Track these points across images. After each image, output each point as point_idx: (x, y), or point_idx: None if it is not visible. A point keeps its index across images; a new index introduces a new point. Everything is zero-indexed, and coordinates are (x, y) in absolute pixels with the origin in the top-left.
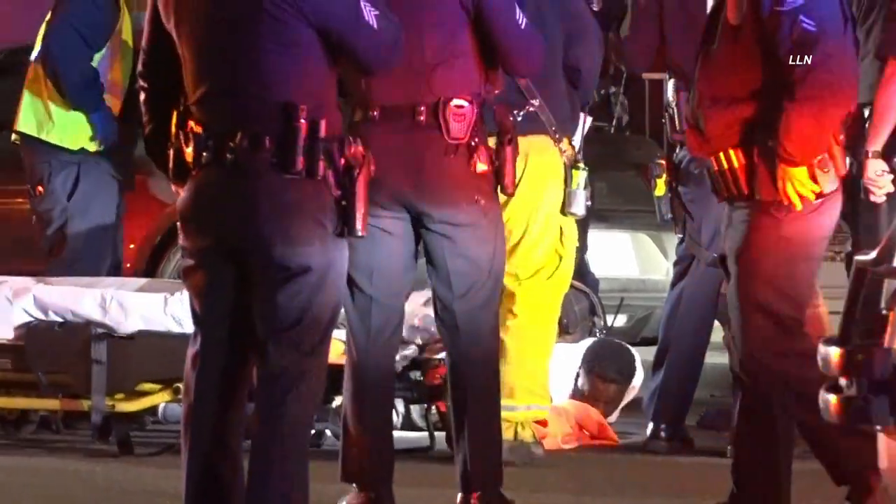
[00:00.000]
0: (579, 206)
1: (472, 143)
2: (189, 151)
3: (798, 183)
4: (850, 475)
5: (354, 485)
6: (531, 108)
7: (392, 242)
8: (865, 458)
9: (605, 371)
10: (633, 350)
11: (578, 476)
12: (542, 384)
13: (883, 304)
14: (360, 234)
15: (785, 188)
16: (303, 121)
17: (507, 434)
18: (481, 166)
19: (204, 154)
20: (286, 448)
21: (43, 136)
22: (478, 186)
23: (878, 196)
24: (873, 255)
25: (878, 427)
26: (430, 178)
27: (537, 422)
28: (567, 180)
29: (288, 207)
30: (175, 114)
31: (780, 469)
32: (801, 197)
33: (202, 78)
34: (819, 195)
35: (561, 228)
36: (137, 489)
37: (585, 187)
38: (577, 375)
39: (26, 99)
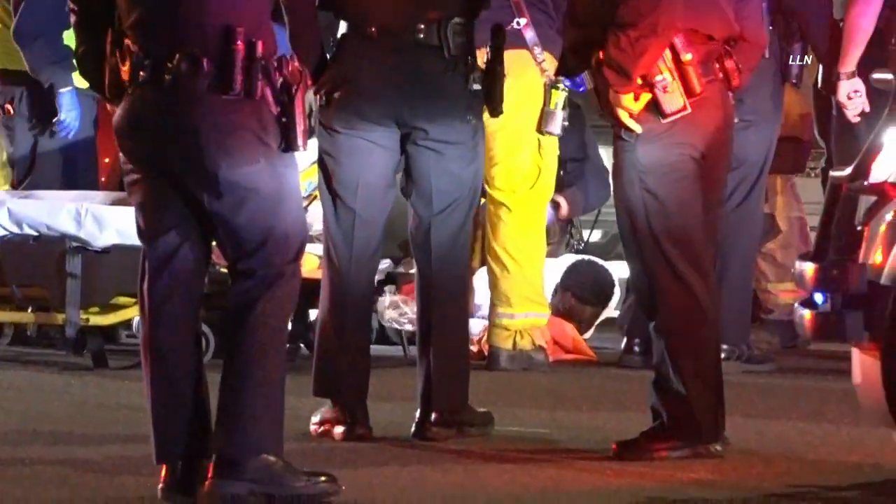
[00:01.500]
0: (556, 126)
1: (469, 62)
2: (125, 69)
3: (622, 108)
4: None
5: (329, 399)
6: (517, 27)
7: (381, 156)
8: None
9: (583, 293)
10: (612, 272)
11: (553, 390)
12: (538, 292)
13: (858, 220)
14: (301, 149)
15: (614, 113)
16: (240, 42)
17: (506, 343)
18: (476, 85)
19: (141, 73)
20: (258, 347)
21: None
22: (470, 105)
23: (852, 117)
24: (848, 171)
25: (853, 342)
26: (428, 94)
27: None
28: (546, 100)
29: (229, 128)
30: (109, 33)
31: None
32: (643, 120)
33: (137, 1)
34: (669, 114)
35: (539, 141)
36: (113, 403)
37: (563, 108)
38: (555, 291)
39: None
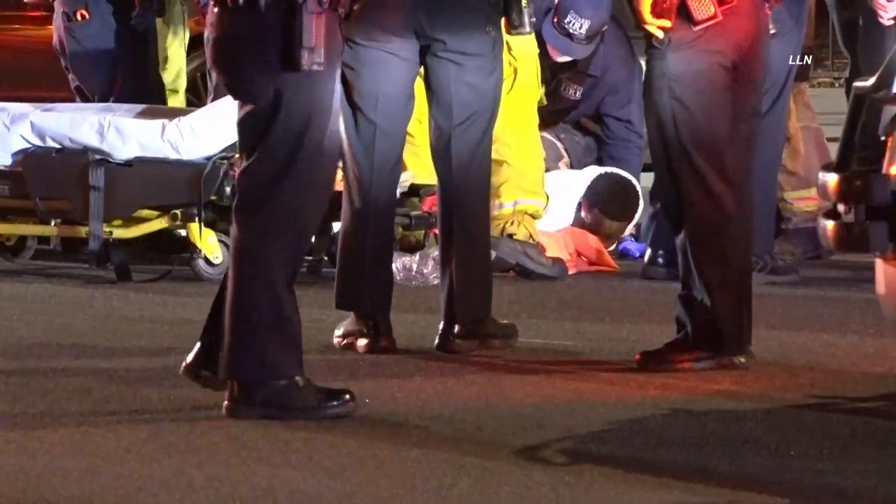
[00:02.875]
0: (525, 25)
1: None
2: None
3: (639, 13)
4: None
5: (352, 312)
6: None
7: (401, 68)
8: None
9: (608, 207)
10: (637, 185)
11: (577, 302)
12: (531, 181)
13: (881, 131)
14: (303, 68)
15: (642, 20)
16: None
17: (495, 231)
18: None
19: None
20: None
21: None
22: (489, 17)
23: (887, 19)
24: (872, 81)
25: (876, 253)
26: (447, 6)
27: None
28: None
29: (229, 39)
30: None
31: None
32: (674, 28)
33: None
34: (699, 22)
35: (507, 43)
36: (136, 316)
37: (527, 6)
38: (580, 205)
39: None
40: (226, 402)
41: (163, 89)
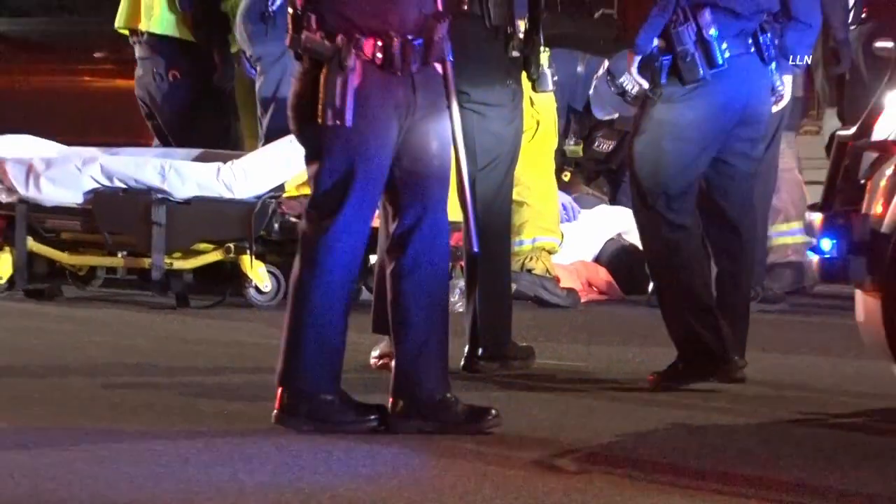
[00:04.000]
0: (547, 84)
1: (508, 31)
2: None
3: (630, 69)
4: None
5: (387, 336)
6: None
7: None
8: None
9: (617, 276)
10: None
11: (588, 327)
12: (548, 220)
13: (861, 175)
14: (326, 123)
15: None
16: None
17: (515, 266)
18: (515, 52)
19: None
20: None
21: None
22: (510, 70)
23: None
24: (854, 130)
25: (856, 284)
26: (470, 61)
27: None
28: None
29: (293, 96)
30: None
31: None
32: (668, 83)
33: None
34: (688, 82)
35: (531, 98)
36: (193, 338)
37: (549, 66)
38: (604, 247)
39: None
40: (275, 411)
41: (239, 136)
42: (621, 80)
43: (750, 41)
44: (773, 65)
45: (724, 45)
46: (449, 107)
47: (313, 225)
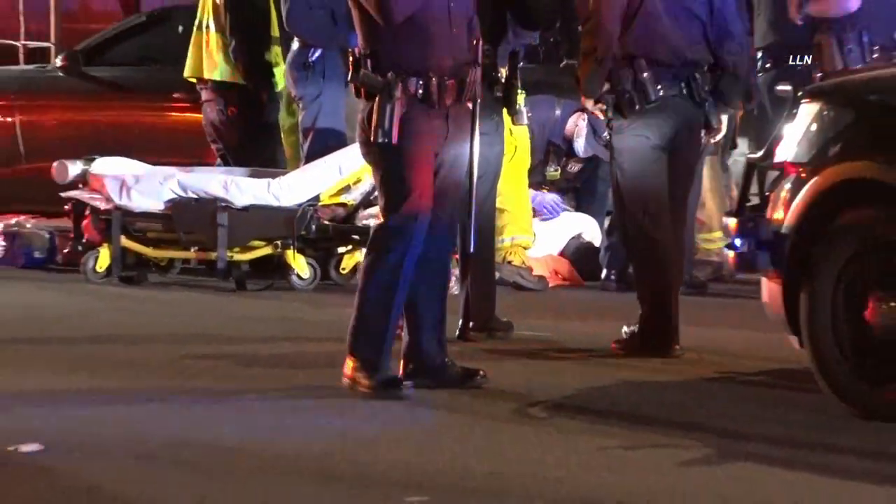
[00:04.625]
0: (523, 119)
1: (493, 76)
2: None
3: (590, 108)
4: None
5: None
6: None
7: None
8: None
9: (579, 268)
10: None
11: (555, 306)
12: (524, 222)
13: (766, 189)
14: (375, 140)
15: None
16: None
17: (498, 258)
18: (498, 93)
19: None
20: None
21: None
22: (494, 108)
23: None
24: (760, 154)
25: (762, 273)
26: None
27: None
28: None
29: (360, 121)
30: None
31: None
32: (618, 117)
33: None
34: (627, 115)
35: (510, 129)
36: (249, 315)
37: (524, 105)
38: (568, 244)
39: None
40: (344, 378)
41: (283, 158)
42: (604, 133)
43: (682, 85)
44: (707, 104)
45: (659, 87)
46: (471, 138)
47: (382, 222)
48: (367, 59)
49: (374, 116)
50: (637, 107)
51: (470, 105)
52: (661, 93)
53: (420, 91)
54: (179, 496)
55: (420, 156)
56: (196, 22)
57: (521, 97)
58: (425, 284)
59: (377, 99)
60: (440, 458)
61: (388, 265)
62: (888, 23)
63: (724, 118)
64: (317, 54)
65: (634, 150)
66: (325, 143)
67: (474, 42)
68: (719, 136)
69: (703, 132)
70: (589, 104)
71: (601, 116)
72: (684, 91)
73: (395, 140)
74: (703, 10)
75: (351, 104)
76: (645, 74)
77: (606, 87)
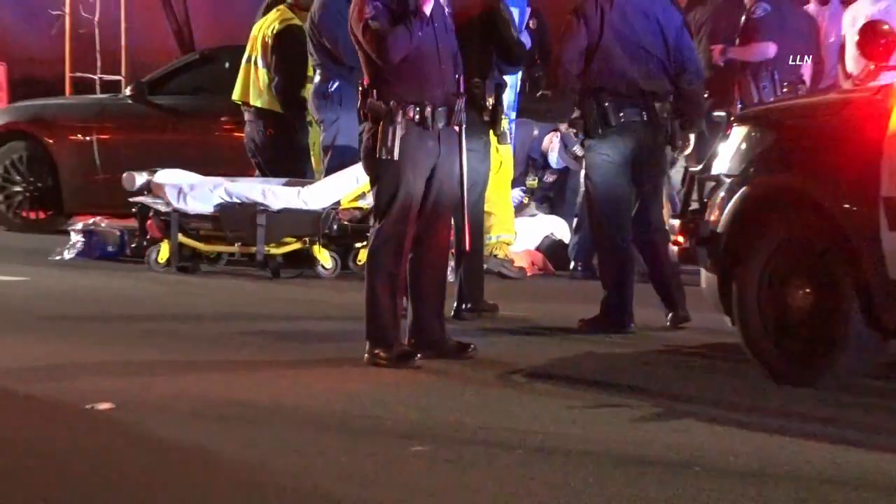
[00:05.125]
0: (507, 139)
1: (481, 104)
2: None
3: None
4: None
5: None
6: None
7: None
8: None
9: (553, 258)
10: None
11: (532, 291)
12: (507, 223)
13: (705, 196)
14: (380, 157)
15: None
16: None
17: (486, 252)
18: (486, 117)
19: None
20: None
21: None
22: (482, 128)
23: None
24: (700, 167)
25: (701, 265)
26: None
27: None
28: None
29: (365, 141)
30: None
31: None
32: (588, 138)
33: None
34: (593, 135)
35: (496, 147)
36: (283, 298)
37: (508, 128)
38: (542, 241)
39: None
40: (365, 355)
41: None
42: (574, 147)
43: (642, 112)
44: (671, 126)
45: (620, 114)
46: (460, 154)
47: (378, 226)
48: (373, 90)
49: (380, 136)
50: (600, 130)
51: (456, 128)
52: (622, 119)
53: (417, 117)
54: (226, 444)
55: (415, 169)
56: (245, 56)
57: (505, 122)
58: (426, 275)
59: (381, 123)
60: (438, 415)
61: (385, 264)
62: (793, 64)
63: (692, 136)
64: (335, 85)
65: (600, 166)
66: (342, 158)
67: (458, 76)
68: (687, 152)
69: (668, 149)
70: (563, 126)
71: (573, 136)
72: (644, 117)
73: (395, 156)
74: (659, 48)
75: None
76: (606, 104)
77: (577, 113)
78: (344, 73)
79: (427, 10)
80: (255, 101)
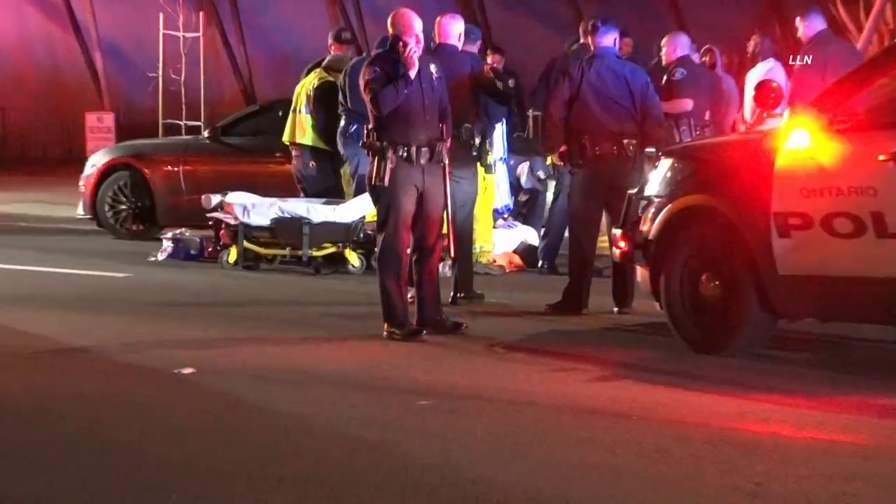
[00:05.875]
0: (492, 170)
1: (471, 142)
2: None
3: (552, 160)
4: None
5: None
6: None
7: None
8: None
9: (526, 260)
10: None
11: (510, 283)
12: (487, 235)
13: (639, 211)
14: (374, 183)
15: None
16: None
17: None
18: (475, 152)
19: None
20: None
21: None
22: (472, 162)
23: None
24: (636, 190)
25: (637, 264)
26: (455, 158)
27: (501, 263)
28: (485, 159)
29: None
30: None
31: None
32: (571, 166)
33: None
34: (574, 165)
35: (483, 175)
36: (322, 289)
37: (490, 160)
38: (518, 245)
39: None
40: (384, 332)
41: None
42: (537, 172)
43: (614, 147)
44: (637, 160)
45: (596, 149)
46: (444, 183)
47: (381, 237)
48: (373, 133)
49: (375, 169)
50: (581, 162)
51: (440, 164)
52: (597, 152)
53: (404, 154)
54: (280, 399)
55: (402, 194)
56: (292, 107)
57: (490, 156)
58: (425, 274)
59: (377, 158)
60: (439, 377)
61: (389, 265)
62: (702, 113)
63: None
64: (353, 128)
65: (579, 187)
66: (363, 185)
67: (442, 124)
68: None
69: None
70: (553, 157)
71: (561, 165)
72: (615, 151)
73: (387, 184)
74: (626, 101)
75: None
76: (584, 141)
77: (564, 147)
78: (360, 118)
79: (412, 74)
80: (301, 139)
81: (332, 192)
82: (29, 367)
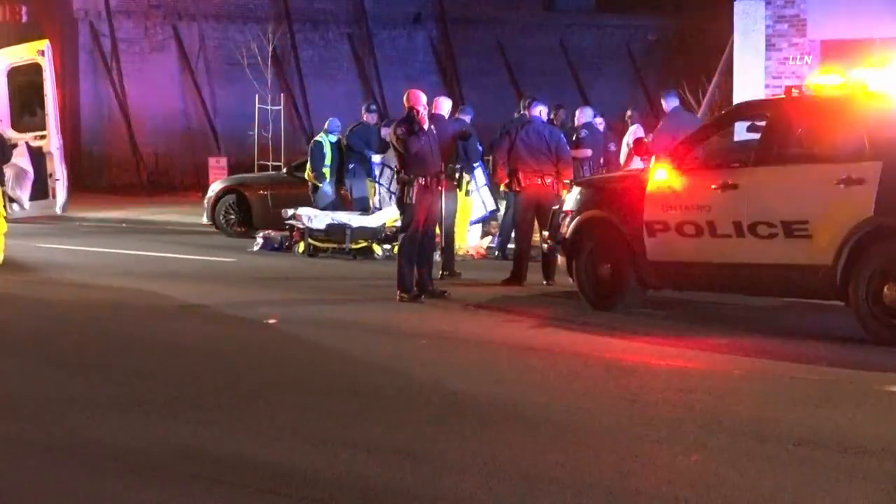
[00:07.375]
0: (471, 193)
1: (457, 176)
2: None
3: (502, 183)
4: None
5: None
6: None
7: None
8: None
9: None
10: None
11: (478, 266)
12: (463, 234)
13: (559, 220)
14: (405, 202)
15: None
16: None
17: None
18: (456, 182)
19: None
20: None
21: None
22: (454, 187)
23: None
24: (557, 206)
25: (560, 254)
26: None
27: (472, 252)
28: (462, 184)
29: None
30: None
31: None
32: (513, 190)
33: None
34: (515, 189)
35: (464, 195)
36: (358, 269)
37: (469, 186)
38: (481, 240)
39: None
40: (397, 296)
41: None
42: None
43: (538, 180)
44: (554, 187)
45: (527, 182)
46: (441, 200)
47: (404, 234)
48: (402, 170)
49: (405, 192)
50: (518, 189)
51: (440, 188)
52: (528, 183)
53: (423, 182)
54: (330, 338)
55: (421, 208)
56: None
57: (468, 184)
58: (423, 255)
59: (405, 185)
60: (430, 324)
61: (406, 252)
62: (598, 158)
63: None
64: (351, 165)
65: (518, 205)
66: (361, 204)
67: (441, 163)
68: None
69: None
70: (503, 185)
71: (507, 191)
72: (539, 182)
73: (413, 202)
74: (546, 151)
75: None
76: (519, 176)
77: (507, 179)
78: (357, 158)
79: (425, 127)
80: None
81: (331, 206)
82: (171, 317)
